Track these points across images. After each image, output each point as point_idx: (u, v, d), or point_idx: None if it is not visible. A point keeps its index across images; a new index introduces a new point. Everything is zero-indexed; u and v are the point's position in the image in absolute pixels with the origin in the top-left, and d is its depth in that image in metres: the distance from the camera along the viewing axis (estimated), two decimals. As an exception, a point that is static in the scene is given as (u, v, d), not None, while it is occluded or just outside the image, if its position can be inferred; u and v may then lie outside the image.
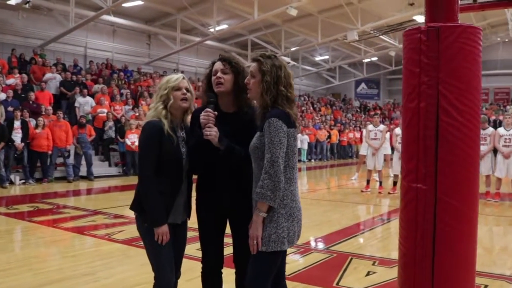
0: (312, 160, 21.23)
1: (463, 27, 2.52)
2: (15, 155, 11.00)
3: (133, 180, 11.93)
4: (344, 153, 23.57)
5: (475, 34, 2.54)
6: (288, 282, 2.76)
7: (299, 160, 19.18)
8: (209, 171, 2.70)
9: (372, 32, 20.57)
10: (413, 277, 2.59)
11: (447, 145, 2.50)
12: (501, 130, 9.33)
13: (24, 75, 13.67)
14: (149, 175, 2.56)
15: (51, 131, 11.43)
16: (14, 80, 13.08)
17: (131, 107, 15.07)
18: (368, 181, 10.68)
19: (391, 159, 10.62)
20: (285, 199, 2.38)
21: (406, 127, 2.67)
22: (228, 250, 2.81)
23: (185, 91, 2.66)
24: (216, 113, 2.58)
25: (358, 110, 31.00)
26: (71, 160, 12.02)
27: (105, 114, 13.73)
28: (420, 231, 2.54)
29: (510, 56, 26.81)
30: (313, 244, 5.72)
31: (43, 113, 12.04)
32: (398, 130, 10.12)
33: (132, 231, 5.79)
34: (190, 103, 2.70)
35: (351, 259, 4.89)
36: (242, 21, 19.06)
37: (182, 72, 13.27)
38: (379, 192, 10.41)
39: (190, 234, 2.87)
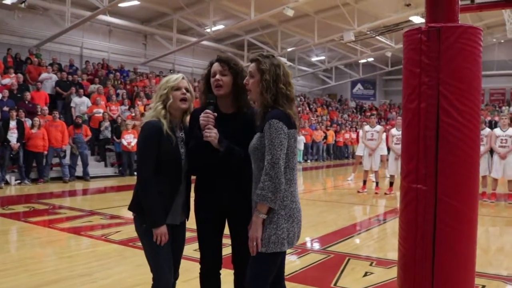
0: (308, 161, 21.22)
1: (464, 27, 2.52)
2: (11, 155, 10.92)
3: (129, 180, 11.94)
4: (340, 154, 23.58)
5: (476, 35, 2.54)
6: (285, 283, 2.74)
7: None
8: (208, 172, 2.68)
9: (368, 32, 20.61)
10: (413, 278, 2.58)
11: (447, 146, 2.50)
12: (497, 130, 9.36)
13: (20, 75, 13.61)
14: (148, 175, 2.53)
15: (47, 131, 11.39)
16: (10, 80, 13.00)
17: (127, 107, 15.02)
18: (364, 182, 10.68)
19: (387, 159, 10.63)
20: (285, 200, 2.37)
21: (406, 127, 2.66)
22: (226, 251, 2.79)
23: (184, 91, 2.64)
24: (215, 114, 2.56)
25: (354, 110, 31.05)
26: (67, 160, 11.97)
27: (101, 114, 13.67)
28: (420, 232, 2.54)
29: (506, 57, 26.92)
30: (309, 245, 5.71)
31: (39, 113, 11.98)
32: (394, 131, 10.15)
33: (128, 231, 5.78)
34: (189, 104, 2.68)
35: (348, 259, 4.88)
36: (238, 21, 19.05)
37: (178, 72, 13.22)
38: (376, 193, 10.40)
39: (188, 234, 2.85)
